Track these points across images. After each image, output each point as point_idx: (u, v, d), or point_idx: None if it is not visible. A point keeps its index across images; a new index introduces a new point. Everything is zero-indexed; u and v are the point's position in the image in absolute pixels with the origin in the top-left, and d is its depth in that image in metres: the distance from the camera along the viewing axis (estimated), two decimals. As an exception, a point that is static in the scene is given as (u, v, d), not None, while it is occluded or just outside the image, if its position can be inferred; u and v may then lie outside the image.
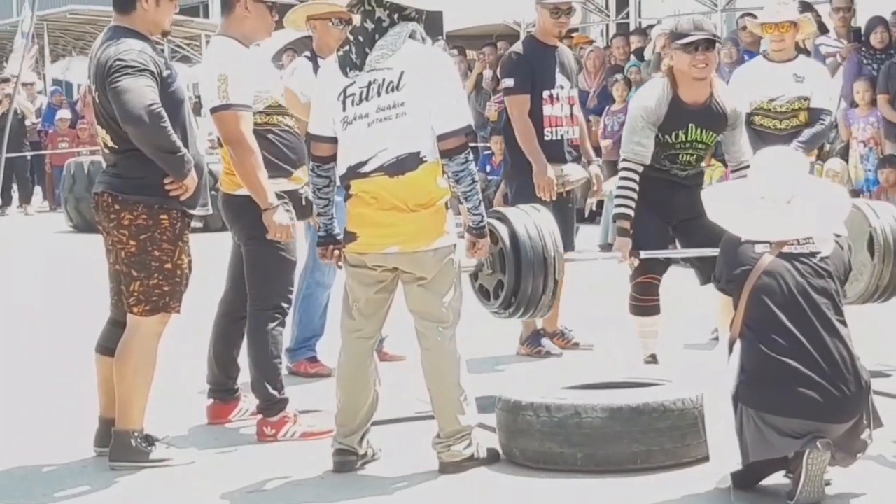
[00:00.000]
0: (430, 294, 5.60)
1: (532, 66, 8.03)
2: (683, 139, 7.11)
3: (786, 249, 5.17)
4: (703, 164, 7.31)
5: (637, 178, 7.03)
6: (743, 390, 5.06)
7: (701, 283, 7.28)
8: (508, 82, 8.08)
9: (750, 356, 5.08)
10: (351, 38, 5.62)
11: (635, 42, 16.43)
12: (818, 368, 5.00)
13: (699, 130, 7.11)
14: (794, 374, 4.99)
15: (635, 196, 7.00)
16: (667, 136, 7.10)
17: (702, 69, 6.98)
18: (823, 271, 5.17)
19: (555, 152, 8.01)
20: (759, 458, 5.05)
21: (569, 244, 8.28)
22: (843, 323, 5.16)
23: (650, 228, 7.09)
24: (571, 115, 8.16)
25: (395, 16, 5.56)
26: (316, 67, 7.31)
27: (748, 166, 6.12)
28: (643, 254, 6.93)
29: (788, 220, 5.21)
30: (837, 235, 5.32)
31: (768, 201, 5.25)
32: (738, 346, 5.14)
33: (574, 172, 8.10)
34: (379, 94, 5.54)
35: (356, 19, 5.65)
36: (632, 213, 6.99)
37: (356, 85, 5.57)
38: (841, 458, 5.11)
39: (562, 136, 8.05)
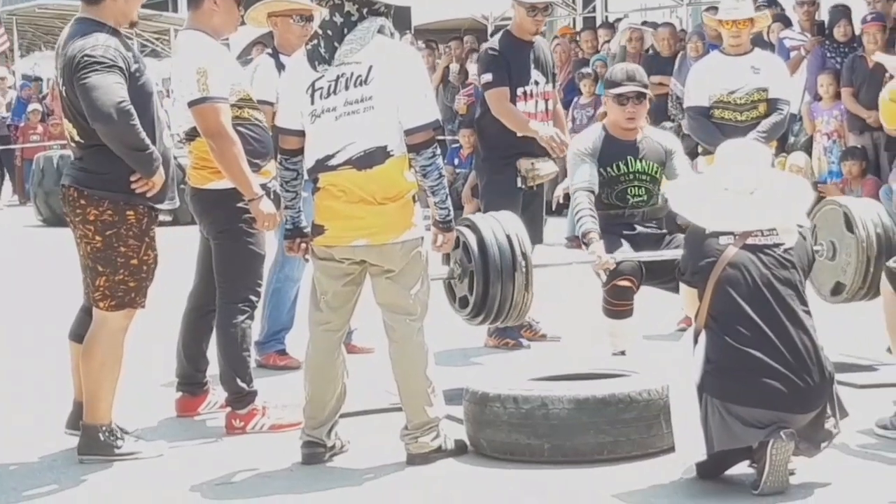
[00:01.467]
0: (398, 286, 5.62)
1: (508, 62, 8.08)
2: (626, 170, 7.28)
3: (750, 241, 5.20)
4: (655, 203, 7.35)
5: (590, 197, 7.12)
6: (708, 381, 5.10)
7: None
8: (487, 77, 8.13)
9: (715, 347, 5.12)
10: (320, 31, 5.63)
11: (603, 36, 16.47)
12: (782, 359, 5.04)
13: (638, 162, 7.28)
14: (758, 365, 5.03)
15: (593, 213, 7.04)
16: (609, 170, 7.25)
17: (630, 121, 7.30)
18: (787, 262, 5.21)
19: (526, 146, 8.06)
20: (724, 447, 5.08)
21: (537, 237, 8.33)
22: (808, 313, 5.20)
23: (620, 243, 7.13)
24: (546, 110, 8.21)
25: (364, 10, 5.57)
26: (278, 64, 7.33)
27: None
28: (619, 255, 6.95)
29: (752, 211, 5.24)
30: (800, 226, 5.36)
31: (732, 193, 5.28)
32: (702, 337, 5.17)
33: (544, 167, 8.14)
34: (347, 87, 5.55)
35: (318, 15, 5.66)
36: (595, 225, 7.00)
37: (324, 79, 5.58)
38: (805, 448, 5.15)
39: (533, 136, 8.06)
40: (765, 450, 5.00)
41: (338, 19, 5.57)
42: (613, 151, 7.26)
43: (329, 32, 5.58)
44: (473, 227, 6.35)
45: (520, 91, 8.09)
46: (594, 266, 6.94)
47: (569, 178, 7.37)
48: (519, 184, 8.08)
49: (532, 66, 8.16)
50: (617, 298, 7.15)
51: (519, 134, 8.06)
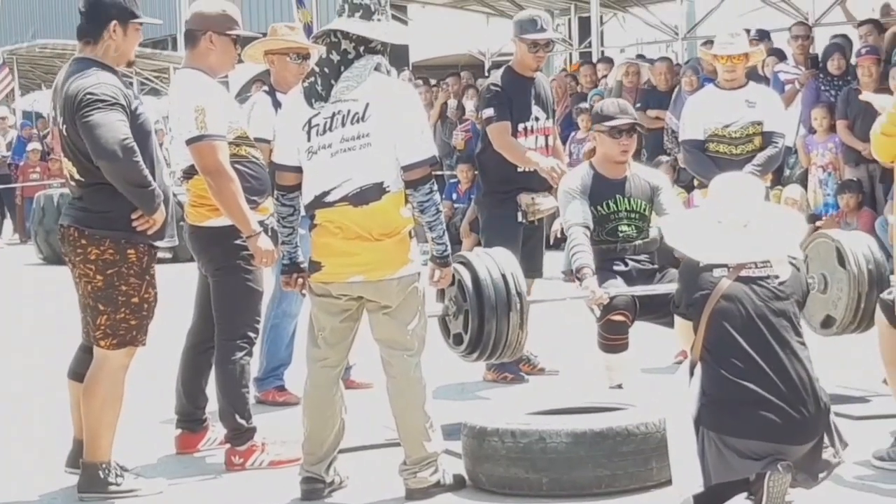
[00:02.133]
0: (395, 322, 5.65)
1: (510, 98, 8.14)
2: (615, 209, 7.34)
3: (744, 273, 5.21)
4: (646, 237, 7.41)
5: (585, 233, 7.15)
6: (704, 413, 5.10)
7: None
8: (489, 112, 8.18)
9: (710, 379, 5.13)
10: (317, 69, 5.68)
11: (602, 70, 16.57)
12: (777, 391, 5.05)
13: (627, 200, 7.34)
14: (753, 397, 5.04)
15: (588, 249, 7.07)
16: (599, 208, 7.31)
17: (623, 153, 7.37)
18: (782, 294, 5.22)
19: (528, 183, 8.13)
20: (721, 479, 5.08)
21: (536, 271, 8.37)
22: (803, 345, 5.21)
23: (613, 277, 7.17)
24: (546, 146, 8.25)
25: (361, 48, 5.62)
26: (275, 101, 7.39)
27: None
28: (612, 290, 6.98)
29: (745, 243, 5.26)
30: (794, 258, 5.39)
31: (725, 225, 5.31)
32: (698, 369, 5.18)
33: (545, 202, 8.19)
34: (343, 124, 5.59)
35: (315, 53, 5.71)
36: (590, 261, 7.02)
37: (321, 115, 5.62)
38: (803, 479, 5.16)
39: (534, 167, 8.12)
40: (762, 482, 5.01)
41: (335, 57, 5.62)
42: (602, 190, 7.32)
43: (326, 70, 5.63)
44: (468, 265, 6.39)
45: (521, 127, 8.15)
46: (588, 301, 6.97)
47: (561, 215, 7.42)
48: (520, 218, 8.13)
49: (533, 102, 8.22)
50: (612, 333, 7.17)
51: (519, 169, 8.11)
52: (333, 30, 5.63)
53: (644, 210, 7.38)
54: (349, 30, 5.59)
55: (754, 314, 5.16)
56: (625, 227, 7.34)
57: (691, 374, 5.22)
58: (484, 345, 6.34)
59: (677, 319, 5.44)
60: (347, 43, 5.61)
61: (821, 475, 5.21)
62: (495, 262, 6.42)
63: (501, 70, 8.43)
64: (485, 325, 6.32)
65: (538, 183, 8.15)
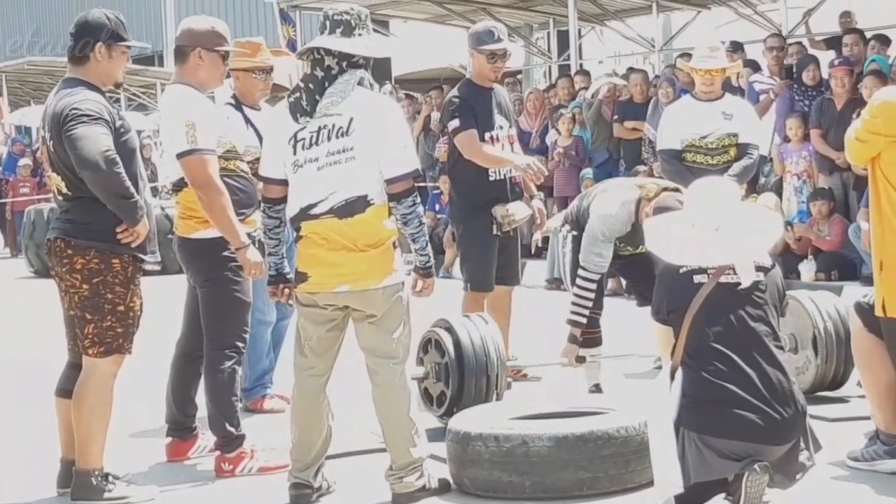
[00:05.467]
0: (381, 331, 5.73)
1: (473, 108, 8.13)
2: (632, 251, 7.50)
3: (723, 280, 5.28)
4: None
5: (595, 287, 7.31)
6: (684, 414, 5.18)
7: (637, 304, 7.72)
8: (454, 123, 8.11)
9: (690, 382, 5.21)
10: (301, 84, 5.76)
11: (579, 82, 16.68)
12: (756, 392, 5.13)
13: (643, 247, 7.28)
14: (733, 398, 5.12)
15: (591, 305, 7.23)
16: (618, 249, 7.44)
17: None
18: (760, 299, 5.30)
19: (499, 192, 8.15)
20: (700, 479, 5.16)
21: (514, 279, 8.47)
22: (781, 349, 5.31)
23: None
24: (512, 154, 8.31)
25: (344, 63, 5.70)
26: (244, 116, 7.41)
27: None
28: (587, 356, 7.22)
29: (715, 247, 5.32)
30: (771, 265, 5.46)
31: (698, 229, 5.38)
32: (679, 373, 5.27)
33: (519, 211, 8.21)
34: (329, 138, 5.67)
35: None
36: (584, 320, 7.23)
37: (306, 130, 5.70)
38: (780, 480, 5.24)
39: (504, 175, 8.16)
40: (740, 482, 5.09)
41: (318, 73, 5.71)
42: (633, 237, 7.37)
43: (311, 85, 5.71)
44: (450, 330, 6.73)
45: (487, 136, 8.13)
46: (563, 363, 7.24)
47: (586, 239, 7.40)
48: (495, 230, 8.14)
49: (495, 111, 8.21)
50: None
51: (491, 178, 8.11)
52: (316, 47, 5.73)
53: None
54: (331, 47, 5.68)
55: (734, 320, 5.23)
56: (632, 252, 7.56)
57: (672, 378, 5.29)
58: (460, 409, 6.54)
59: (655, 326, 5.50)
60: (330, 59, 5.70)
61: (797, 476, 5.29)
62: (478, 331, 6.81)
63: (460, 83, 8.42)
64: (464, 391, 6.68)
65: (511, 193, 8.19)
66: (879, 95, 5.71)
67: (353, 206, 5.65)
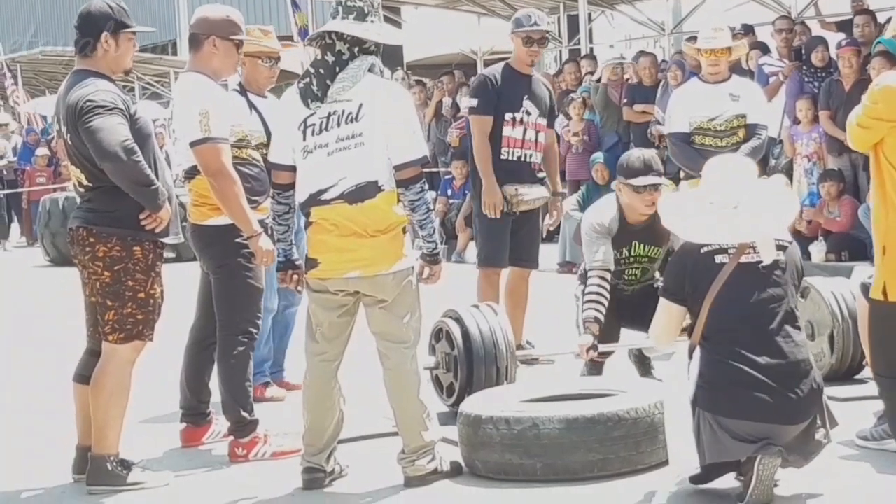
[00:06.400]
0: (391, 315, 5.76)
1: (498, 90, 8.25)
2: (627, 255, 7.33)
3: (743, 259, 5.30)
4: (650, 277, 7.49)
5: (606, 282, 7.11)
6: (700, 395, 5.21)
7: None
8: (473, 102, 8.33)
9: (707, 362, 5.24)
10: (312, 70, 5.78)
11: (586, 67, 16.67)
12: (772, 373, 5.14)
13: (642, 246, 7.34)
14: (748, 379, 5.14)
15: (605, 301, 7.07)
16: (616, 253, 7.26)
17: (648, 208, 7.04)
18: (780, 279, 5.32)
19: (510, 171, 8.22)
20: (715, 460, 5.20)
21: (530, 261, 8.50)
22: (798, 329, 5.31)
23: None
24: (537, 140, 8.33)
25: (356, 49, 5.73)
26: (248, 102, 7.35)
27: None
28: (601, 347, 7.12)
29: (735, 225, 5.32)
30: (789, 242, 5.46)
31: (716, 206, 5.38)
32: (696, 353, 5.30)
33: (530, 193, 8.26)
34: (339, 124, 5.69)
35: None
36: (601, 316, 7.03)
37: (316, 115, 5.73)
38: (794, 459, 5.27)
39: (518, 157, 8.24)
40: (752, 464, 5.12)
41: (329, 58, 5.73)
42: (623, 237, 7.24)
43: (321, 71, 5.73)
44: (459, 320, 6.78)
45: (508, 116, 8.23)
46: (576, 353, 7.15)
47: (584, 246, 7.33)
48: (504, 209, 8.21)
49: (525, 96, 8.30)
50: (590, 369, 7.50)
51: (502, 156, 8.20)
52: (328, 31, 5.74)
53: (655, 254, 7.39)
54: (344, 31, 5.70)
55: (753, 300, 5.25)
56: (633, 271, 7.42)
57: (690, 358, 5.32)
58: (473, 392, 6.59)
59: (664, 306, 5.50)
60: (342, 44, 5.72)
61: (812, 455, 5.32)
62: (487, 321, 6.84)
63: (501, 64, 8.52)
64: (473, 382, 6.72)
65: (526, 174, 8.26)
66: (880, 80, 5.67)
67: (364, 192, 5.68)
